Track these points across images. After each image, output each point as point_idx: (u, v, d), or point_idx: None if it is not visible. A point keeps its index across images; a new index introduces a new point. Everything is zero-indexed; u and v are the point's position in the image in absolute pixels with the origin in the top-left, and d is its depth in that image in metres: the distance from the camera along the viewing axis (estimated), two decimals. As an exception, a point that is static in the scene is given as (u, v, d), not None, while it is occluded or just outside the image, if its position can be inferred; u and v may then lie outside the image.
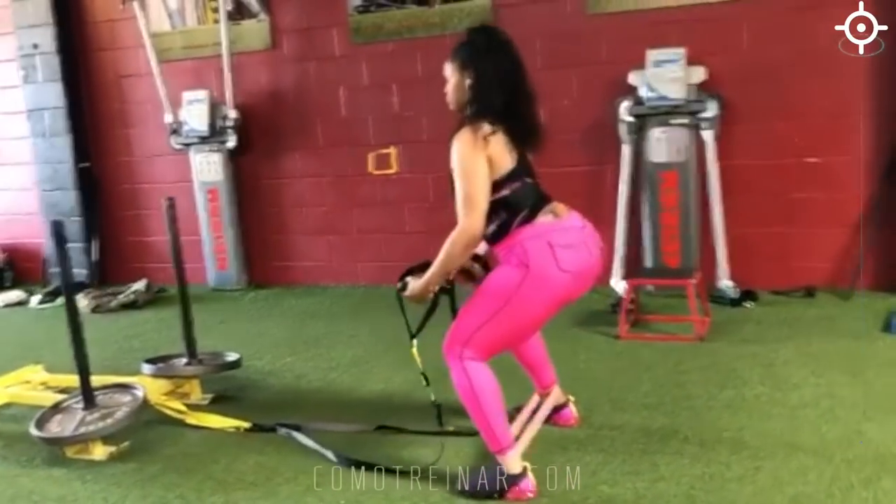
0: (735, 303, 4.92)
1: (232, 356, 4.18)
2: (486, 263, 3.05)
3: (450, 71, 2.86)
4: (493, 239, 2.82)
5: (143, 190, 6.84)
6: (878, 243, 4.93)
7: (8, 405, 3.97)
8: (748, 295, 4.95)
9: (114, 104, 6.80)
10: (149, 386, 3.80)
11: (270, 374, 4.36)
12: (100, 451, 3.37)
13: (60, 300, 6.52)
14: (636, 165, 5.22)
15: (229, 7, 6.05)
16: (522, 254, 2.69)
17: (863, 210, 4.94)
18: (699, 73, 4.96)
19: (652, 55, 4.98)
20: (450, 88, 2.87)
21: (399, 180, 6.02)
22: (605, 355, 4.24)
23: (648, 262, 5.25)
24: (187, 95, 6.23)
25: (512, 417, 3.07)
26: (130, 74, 6.66)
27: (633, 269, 5.20)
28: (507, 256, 2.77)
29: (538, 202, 2.81)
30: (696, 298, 4.43)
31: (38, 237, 7.12)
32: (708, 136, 4.99)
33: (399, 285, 2.99)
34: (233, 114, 6.13)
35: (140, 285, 6.37)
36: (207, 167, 6.31)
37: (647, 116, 5.07)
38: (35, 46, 6.67)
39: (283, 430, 3.43)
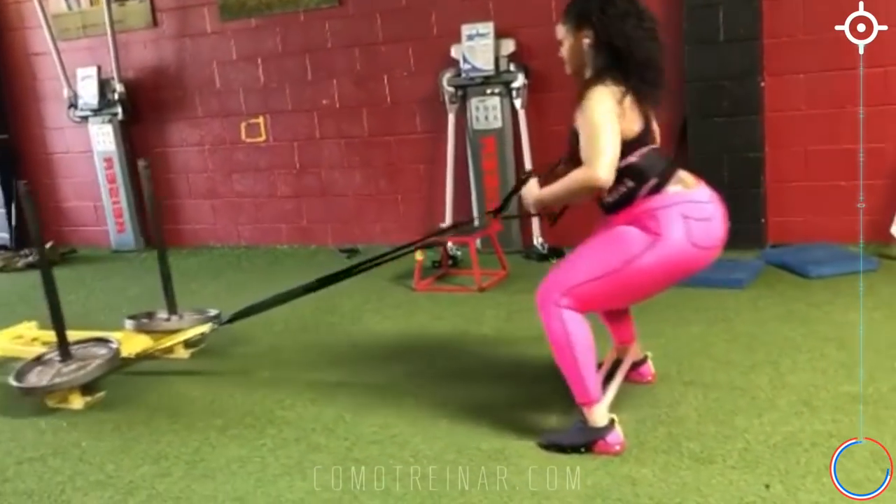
0: (542, 258, 5.34)
1: (212, 311, 4.24)
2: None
3: (563, 33, 2.68)
4: (613, 208, 2.63)
5: (55, 159, 7.41)
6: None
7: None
8: (555, 252, 5.36)
9: (27, 80, 7.34)
10: (129, 340, 3.90)
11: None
12: (77, 401, 3.47)
13: (-18, 261, 7.16)
14: (462, 132, 5.64)
15: (114, -12, 6.56)
16: (653, 223, 2.53)
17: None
18: (508, 46, 5.35)
19: (465, 29, 5.37)
20: (565, 52, 2.68)
21: (268, 148, 6.50)
22: (394, 305, 4.70)
23: (476, 221, 5.67)
24: (80, 72, 6.76)
25: None
26: (40, 52, 7.18)
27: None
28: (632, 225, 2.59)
29: (666, 171, 2.62)
30: (483, 253, 4.87)
31: (-32, 204, 7.74)
32: (518, 104, 5.39)
33: (523, 177, 2.90)
34: (119, 87, 6.65)
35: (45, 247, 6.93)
36: (102, 137, 6.86)
37: (467, 87, 5.47)
38: (-49, 28, 7.24)
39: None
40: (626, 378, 3.12)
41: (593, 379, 2.67)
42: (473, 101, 5.48)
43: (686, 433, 2.77)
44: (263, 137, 6.47)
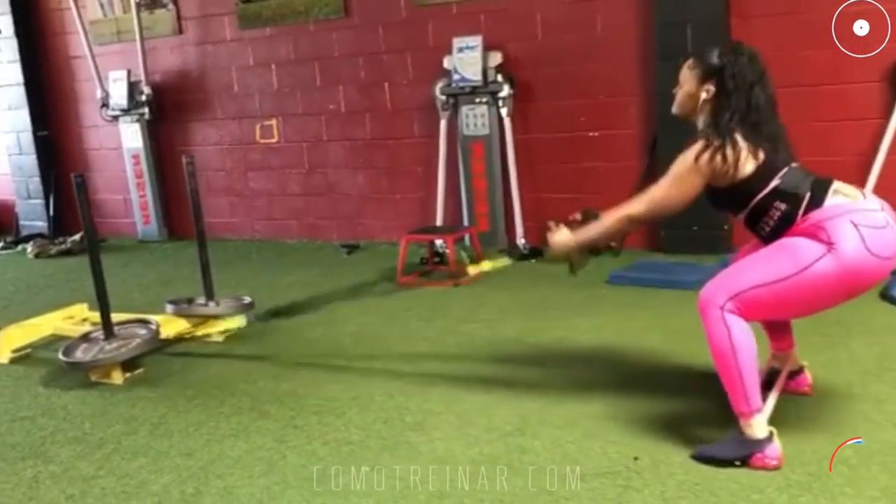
0: (523, 258, 5.66)
1: (247, 299, 4.51)
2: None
3: (686, 76, 2.70)
4: (773, 235, 2.60)
5: (90, 154, 7.97)
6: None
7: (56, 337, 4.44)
8: (535, 252, 5.68)
9: (66, 81, 7.92)
10: (169, 323, 4.20)
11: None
12: (118, 376, 3.79)
13: (19, 248, 7.76)
14: (454, 137, 6.01)
15: (144, -2, 7.09)
16: (824, 234, 2.45)
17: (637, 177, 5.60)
18: (496, 58, 5.69)
19: (456, 42, 5.73)
20: (681, 95, 2.73)
21: (280, 148, 6.95)
22: (374, 295, 5.11)
23: (466, 221, 6.03)
24: (112, 74, 7.29)
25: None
26: (78, 56, 7.74)
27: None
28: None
29: (818, 183, 2.57)
30: (462, 250, 5.24)
31: (12, 195, 8.36)
32: (504, 112, 5.74)
33: (550, 224, 2.99)
34: (147, 90, 7.16)
35: (76, 237, 7.49)
36: (130, 135, 7.39)
37: (458, 95, 5.84)
38: (-1, 32, 7.85)
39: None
40: (783, 390, 2.96)
41: (755, 389, 2.55)
42: (464, 109, 5.84)
43: (587, 414, 3.10)
44: (276, 138, 6.92)
